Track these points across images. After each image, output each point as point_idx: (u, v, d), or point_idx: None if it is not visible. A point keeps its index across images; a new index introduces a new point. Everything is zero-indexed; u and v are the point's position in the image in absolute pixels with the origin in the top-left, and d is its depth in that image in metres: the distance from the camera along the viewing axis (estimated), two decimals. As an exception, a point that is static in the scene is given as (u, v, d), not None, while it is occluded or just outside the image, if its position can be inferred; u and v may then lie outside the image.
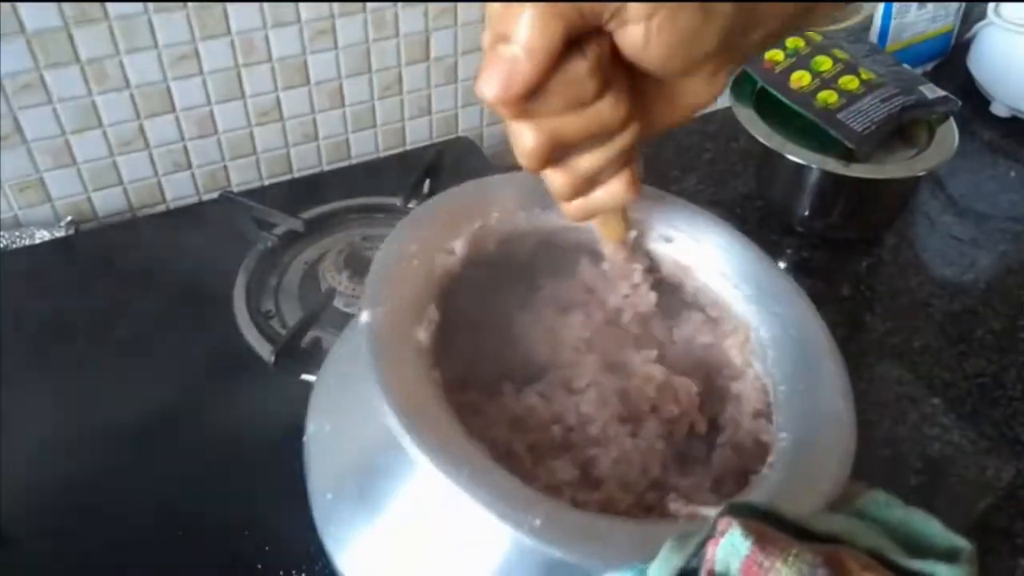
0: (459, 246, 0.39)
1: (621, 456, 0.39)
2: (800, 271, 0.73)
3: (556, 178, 0.33)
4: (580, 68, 0.28)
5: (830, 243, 0.75)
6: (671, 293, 0.45)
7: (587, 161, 0.32)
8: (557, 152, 0.31)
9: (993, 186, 0.84)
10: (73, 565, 0.46)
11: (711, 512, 0.31)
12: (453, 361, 0.43)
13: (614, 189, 0.34)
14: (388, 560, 0.34)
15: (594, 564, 0.28)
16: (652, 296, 0.44)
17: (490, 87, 0.28)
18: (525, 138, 0.30)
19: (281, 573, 0.45)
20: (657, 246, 0.43)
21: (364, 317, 0.34)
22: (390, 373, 0.32)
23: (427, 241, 0.38)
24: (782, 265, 0.73)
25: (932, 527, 0.26)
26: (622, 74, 0.30)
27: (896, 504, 0.27)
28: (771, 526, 0.25)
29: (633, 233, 0.42)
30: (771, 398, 0.38)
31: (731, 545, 0.24)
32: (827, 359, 0.38)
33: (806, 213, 0.74)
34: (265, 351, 0.56)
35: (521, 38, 0.27)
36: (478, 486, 0.29)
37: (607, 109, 0.30)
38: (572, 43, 0.28)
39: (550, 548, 0.28)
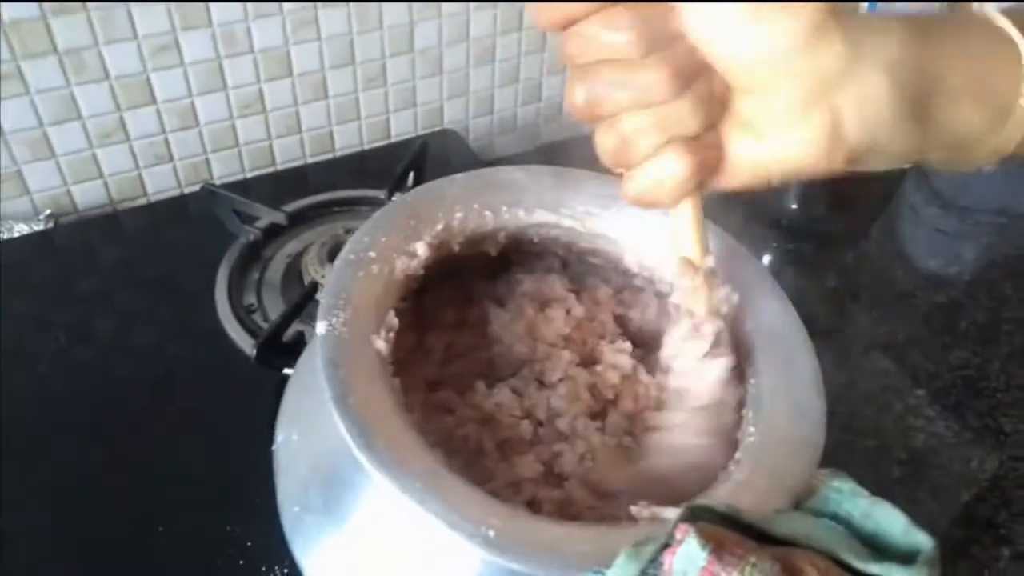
0: (420, 248, 0.38)
1: (587, 452, 0.39)
2: (787, 264, 0.73)
3: (601, 135, 0.30)
4: (653, 74, 0.27)
5: (816, 236, 0.75)
6: (643, 287, 0.44)
7: (632, 122, 0.29)
8: (598, 109, 0.29)
9: (977, 179, 0.84)
10: (48, 561, 0.46)
11: (672, 513, 0.30)
12: (428, 361, 0.43)
13: (668, 165, 0.30)
14: (354, 572, 0.34)
15: (550, 573, 0.27)
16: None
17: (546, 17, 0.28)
18: (575, 92, 0.29)
19: (264, 569, 0.45)
20: (621, 238, 0.43)
21: (320, 328, 0.33)
22: (346, 384, 0.31)
23: (387, 245, 0.38)
24: (768, 258, 0.73)
25: (896, 522, 0.25)
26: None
27: (861, 494, 0.26)
28: (731, 528, 0.25)
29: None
30: (743, 393, 0.37)
31: (687, 555, 0.23)
32: (801, 352, 0.37)
33: (793, 206, 0.74)
34: (247, 345, 0.55)
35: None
36: (430, 498, 0.28)
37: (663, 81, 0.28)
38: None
39: (504, 559, 0.27)
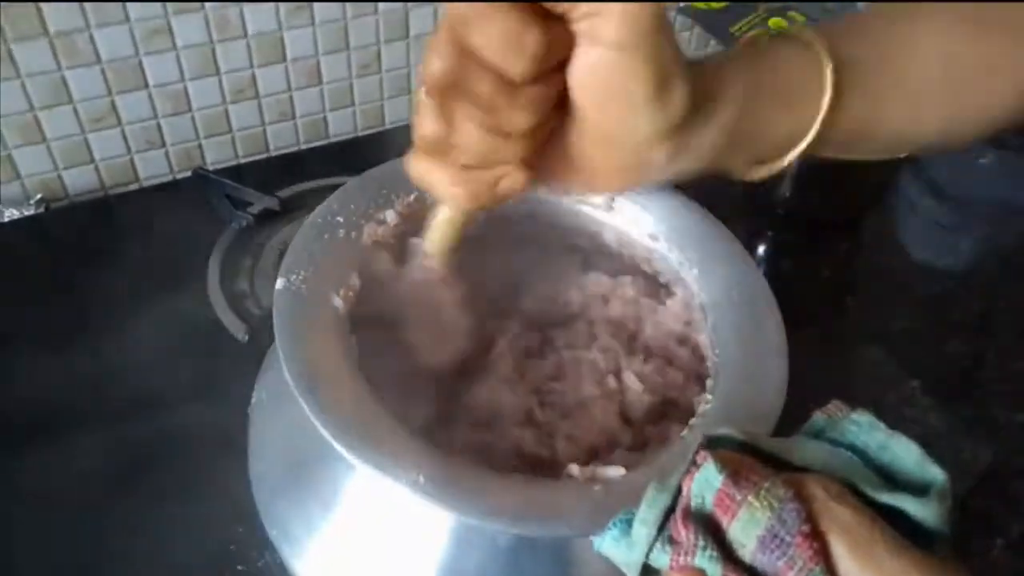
0: (390, 216, 0.39)
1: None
2: (781, 253, 0.73)
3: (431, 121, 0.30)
4: (532, 34, 0.27)
5: (811, 225, 0.75)
6: (612, 260, 0.44)
7: (473, 135, 0.30)
8: (450, 92, 0.29)
9: (973, 171, 0.84)
10: (30, 543, 0.45)
11: (613, 472, 0.31)
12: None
13: (504, 178, 0.31)
14: (312, 527, 0.35)
15: (473, 518, 0.28)
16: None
17: None
18: (438, 54, 0.28)
19: (254, 554, 0.45)
20: (599, 215, 0.43)
21: (279, 284, 0.34)
22: (297, 337, 0.32)
23: (356, 212, 0.38)
24: (762, 247, 0.73)
25: (911, 454, 0.26)
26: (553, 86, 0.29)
27: (878, 427, 0.27)
28: (748, 455, 0.25)
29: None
30: (708, 364, 0.37)
31: (704, 479, 0.24)
32: (767, 322, 0.37)
33: (787, 195, 0.74)
34: (239, 331, 0.55)
35: None
36: (361, 443, 0.29)
37: (519, 104, 0.28)
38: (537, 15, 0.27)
39: (432, 504, 0.28)
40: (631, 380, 0.41)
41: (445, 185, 0.31)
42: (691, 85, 0.30)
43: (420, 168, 0.32)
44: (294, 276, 0.35)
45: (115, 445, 0.50)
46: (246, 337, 0.52)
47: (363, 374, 0.33)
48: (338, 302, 0.34)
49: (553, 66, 0.29)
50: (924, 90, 0.36)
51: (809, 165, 0.70)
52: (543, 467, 0.38)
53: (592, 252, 0.45)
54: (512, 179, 0.31)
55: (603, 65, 0.28)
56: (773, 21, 0.72)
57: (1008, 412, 0.59)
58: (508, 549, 0.32)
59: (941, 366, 0.63)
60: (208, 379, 0.54)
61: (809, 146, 0.35)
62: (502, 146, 0.30)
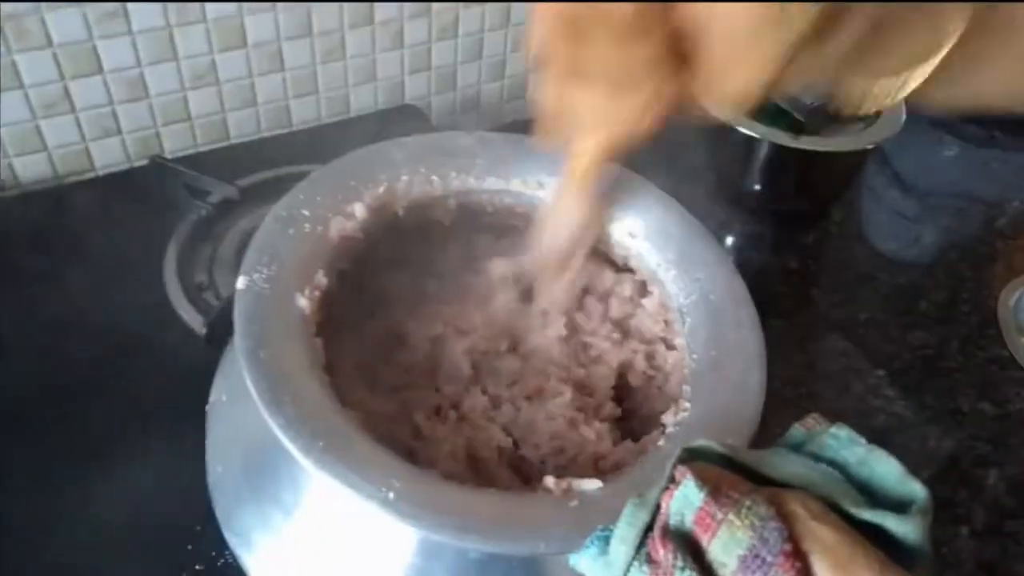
0: (359, 209, 0.37)
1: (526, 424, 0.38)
2: (749, 245, 0.73)
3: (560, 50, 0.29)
4: None
5: (779, 217, 0.75)
6: (591, 258, 0.43)
7: (604, 56, 0.28)
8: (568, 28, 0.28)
9: (937, 163, 0.85)
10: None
11: (589, 485, 0.30)
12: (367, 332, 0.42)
13: (626, 106, 0.30)
14: (273, 534, 0.33)
15: (445, 536, 0.27)
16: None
17: None
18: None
19: (213, 554, 0.44)
20: None
21: (240, 283, 0.32)
22: (259, 339, 0.31)
23: (323, 205, 0.36)
24: (731, 239, 0.73)
25: (891, 470, 0.25)
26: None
27: (858, 442, 0.26)
28: (728, 469, 0.25)
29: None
30: (684, 368, 0.37)
31: (685, 496, 0.23)
32: (745, 326, 0.37)
33: (756, 187, 0.74)
34: (197, 323, 0.54)
35: None
36: (329, 457, 0.28)
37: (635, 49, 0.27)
38: None
39: (403, 521, 0.27)
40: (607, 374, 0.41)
41: (596, 107, 0.30)
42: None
43: (562, 95, 0.30)
44: (257, 274, 0.33)
45: (68, 440, 0.49)
46: (204, 330, 0.51)
47: (328, 378, 0.31)
48: (303, 302, 0.33)
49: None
50: (1019, 43, 0.35)
51: (777, 157, 0.71)
52: (522, 470, 0.37)
53: None
54: (664, 93, 0.29)
55: None
56: None
57: (972, 401, 0.60)
58: (479, 562, 0.31)
59: (906, 356, 0.63)
60: (165, 374, 0.52)
61: (939, 66, 0.33)
62: (644, 62, 0.28)
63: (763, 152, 0.72)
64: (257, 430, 0.32)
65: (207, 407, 0.37)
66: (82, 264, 0.60)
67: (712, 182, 0.79)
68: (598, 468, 0.37)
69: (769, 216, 0.75)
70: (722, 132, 0.71)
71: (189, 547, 0.44)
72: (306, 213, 0.36)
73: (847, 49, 0.31)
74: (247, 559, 0.34)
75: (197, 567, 0.44)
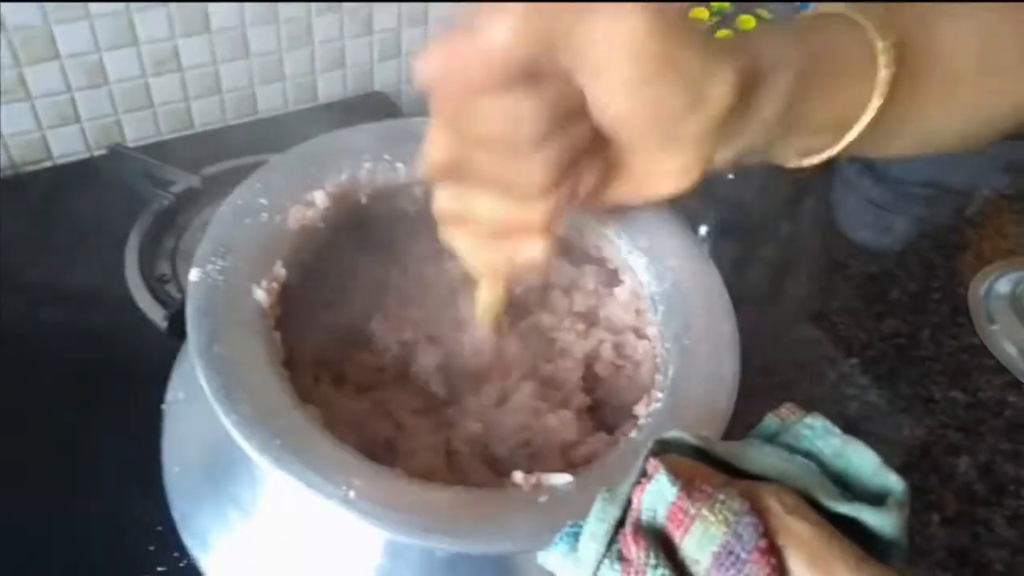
0: (319, 197, 0.36)
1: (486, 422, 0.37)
2: (722, 234, 0.73)
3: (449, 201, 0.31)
4: (527, 104, 0.26)
5: (751, 206, 0.75)
6: (559, 245, 0.43)
7: (488, 208, 0.30)
8: (457, 172, 0.29)
9: (909, 151, 0.85)
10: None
11: (559, 480, 0.29)
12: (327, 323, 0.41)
13: (521, 250, 0.31)
14: (231, 535, 0.32)
15: (410, 537, 0.26)
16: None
17: (433, 63, 0.26)
18: (436, 143, 0.28)
19: (176, 555, 0.42)
20: None
21: (193, 275, 0.31)
22: (212, 334, 0.29)
23: (282, 193, 0.35)
24: (704, 228, 0.72)
25: (867, 462, 0.25)
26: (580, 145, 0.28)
27: (833, 432, 0.26)
28: (702, 461, 0.24)
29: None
30: (656, 357, 0.36)
31: (657, 491, 0.22)
32: (718, 315, 0.36)
33: (729, 176, 0.74)
34: (159, 317, 0.52)
35: (492, 32, 0.24)
36: (287, 455, 0.27)
37: (532, 169, 0.27)
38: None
39: (365, 521, 0.26)
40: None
41: (467, 257, 0.32)
42: (735, 68, 0.28)
43: (447, 236, 0.32)
44: (211, 265, 0.31)
45: (23, 437, 0.47)
46: (166, 323, 0.49)
47: (288, 374, 0.30)
48: (260, 294, 0.32)
49: (569, 111, 0.27)
50: (961, 73, 0.35)
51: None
52: (495, 465, 0.37)
53: None
54: (530, 248, 0.30)
55: (626, 101, 0.27)
56: (743, 19, 0.71)
57: (944, 389, 0.60)
58: (447, 562, 0.30)
59: (878, 344, 0.63)
60: (125, 368, 0.50)
61: (863, 132, 0.33)
62: (522, 211, 0.29)
63: (736, 141, 0.72)
64: (214, 429, 0.31)
65: (164, 405, 0.36)
66: (40, 257, 0.58)
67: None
68: (568, 459, 0.36)
69: (742, 205, 0.75)
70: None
71: (151, 548, 0.43)
72: (264, 202, 0.34)
73: (773, 117, 0.31)
74: (205, 561, 0.33)
75: (159, 568, 0.42)
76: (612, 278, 0.41)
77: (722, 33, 0.69)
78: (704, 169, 0.31)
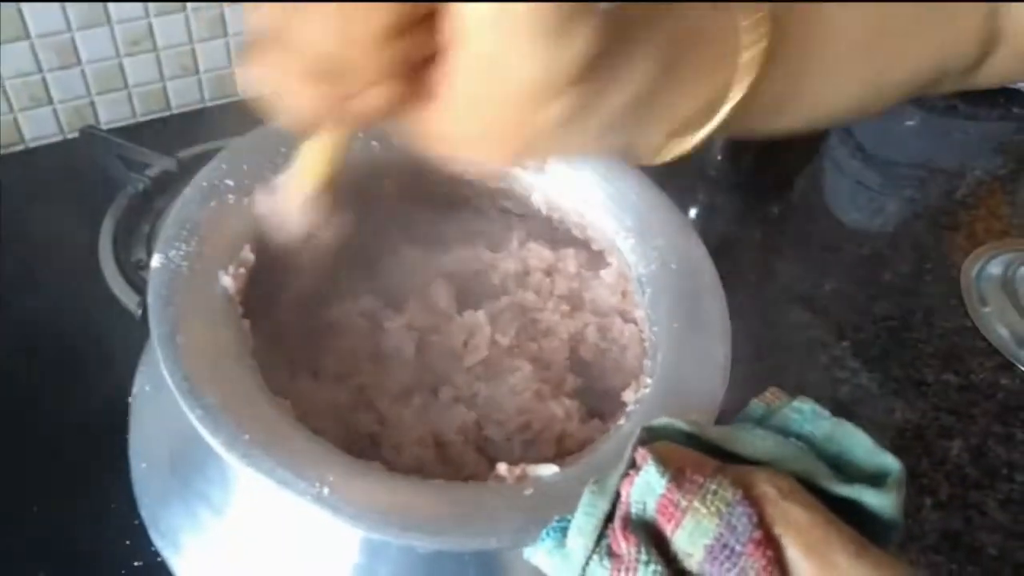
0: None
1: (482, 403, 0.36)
2: (713, 216, 0.72)
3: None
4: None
5: (743, 188, 0.74)
6: (543, 227, 0.41)
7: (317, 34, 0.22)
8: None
9: (899, 133, 0.85)
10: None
11: (546, 471, 0.28)
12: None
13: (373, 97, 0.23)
14: (199, 533, 0.31)
15: (389, 533, 0.25)
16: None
17: None
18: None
19: (153, 548, 0.41)
20: (527, 177, 0.40)
21: (155, 261, 0.29)
22: (175, 323, 0.28)
23: (248, 174, 0.33)
24: (694, 211, 0.71)
25: (860, 443, 0.24)
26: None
27: (822, 415, 0.25)
28: (693, 447, 0.23)
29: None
30: (644, 341, 0.35)
31: (646, 483, 0.22)
32: (707, 296, 0.35)
33: (719, 157, 0.73)
34: (133, 303, 0.50)
35: None
36: (256, 451, 0.25)
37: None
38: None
39: (339, 519, 0.25)
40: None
41: (285, 93, 0.23)
42: (602, 25, 0.22)
43: (253, 70, 0.24)
44: (173, 251, 0.30)
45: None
46: (140, 311, 0.48)
47: (258, 364, 0.29)
48: (227, 281, 0.30)
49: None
50: (849, 44, 0.32)
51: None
52: (488, 452, 0.35)
53: (520, 217, 0.42)
54: (373, 96, 0.23)
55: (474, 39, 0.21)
56: None
57: (936, 372, 0.59)
58: (428, 559, 0.29)
59: (870, 327, 0.62)
60: (99, 357, 0.49)
61: (730, 114, 0.29)
62: (356, 53, 0.22)
63: (726, 121, 0.70)
64: (181, 423, 0.29)
65: (130, 398, 0.34)
66: (11, 242, 0.56)
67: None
68: (562, 447, 0.35)
69: (733, 187, 0.74)
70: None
71: (127, 542, 0.42)
72: (230, 183, 0.33)
73: (625, 105, 0.25)
74: (175, 561, 0.31)
75: (136, 563, 0.41)
76: (597, 260, 0.40)
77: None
78: (532, 142, 0.24)
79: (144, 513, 0.32)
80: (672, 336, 0.33)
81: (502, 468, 0.28)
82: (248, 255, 0.31)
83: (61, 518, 0.43)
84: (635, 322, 0.37)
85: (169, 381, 0.26)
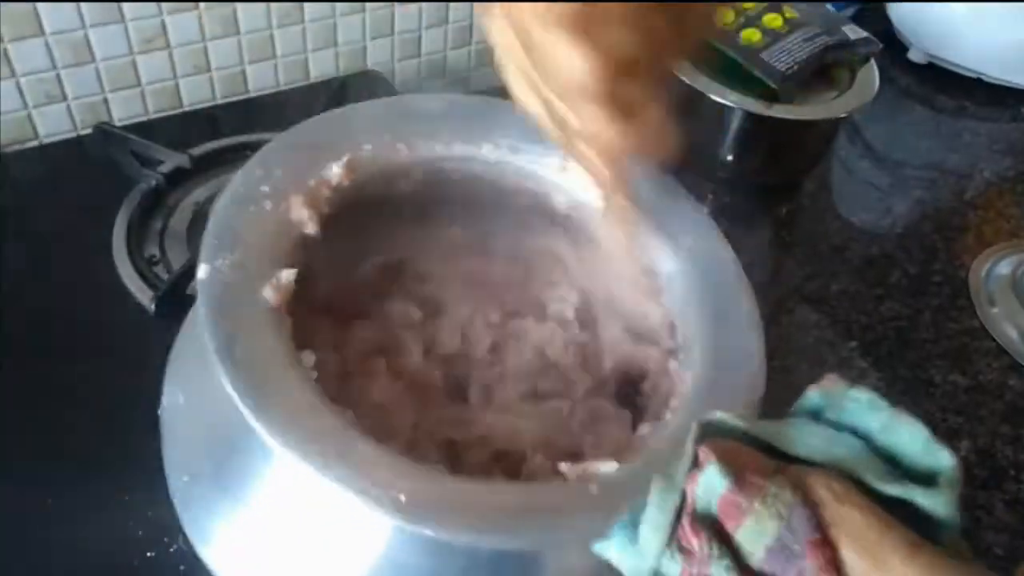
0: (322, 186, 0.34)
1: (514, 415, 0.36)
2: (721, 216, 0.72)
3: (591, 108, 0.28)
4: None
5: (751, 188, 0.74)
6: (567, 227, 0.41)
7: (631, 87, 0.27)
8: (614, 74, 0.26)
9: (909, 133, 0.85)
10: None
11: (606, 467, 0.28)
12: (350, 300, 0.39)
13: (651, 124, 0.29)
14: (253, 547, 0.30)
15: (470, 537, 0.25)
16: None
17: None
18: (575, 58, 0.26)
19: (166, 540, 0.41)
20: (550, 175, 0.40)
21: (202, 272, 0.29)
22: (231, 335, 0.28)
23: (282, 181, 0.33)
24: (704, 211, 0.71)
25: (917, 437, 0.24)
26: None
27: (879, 406, 0.25)
28: (747, 442, 0.24)
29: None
30: (677, 336, 0.35)
31: (708, 483, 0.22)
32: (735, 291, 0.35)
33: (728, 157, 0.73)
34: (146, 299, 0.51)
35: None
36: (332, 460, 0.25)
37: (661, 20, 0.26)
38: None
39: (417, 526, 0.25)
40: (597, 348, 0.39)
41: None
42: None
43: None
44: (219, 261, 0.29)
45: (11, 423, 0.46)
46: (154, 306, 0.48)
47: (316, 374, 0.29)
48: (270, 293, 0.30)
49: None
50: None
51: (750, 127, 0.69)
52: (509, 456, 0.36)
53: (541, 214, 0.42)
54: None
55: None
56: (768, 17, 0.70)
57: (944, 372, 0.59)
58: (492, 558, 0.28)
59: (878, 327, 0.62)
60: (113, 352, 0.49)
61: None
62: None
63: (735, 122, 0.70)
64: (230, 433, 0.29)
65: (160, 411, 0.34)
66: (26, 238, 0.57)
67: (683, 152, 0.77)
68: (613, 447, 0.36)
69: (741, 187, 0.74)
70: (694, 101, 0.69)
71: (140, 533, 0.42)
72: (265, 189, 0.33)
73: None
74: (212, 560, 0.31)
75: (148, 553, 0.42)
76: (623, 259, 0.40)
77: (748, 32, 0.68)
78: None
79: (188, 526, 0.31)
80: (704, 331, 0.33)
81: (564, 466, 0.28)
82: (290, 266, 0.31)
83: (75, 511, 0.43)
84: (667, 318, 0.37)
85: (233, 395, 0.26)
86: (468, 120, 0.39)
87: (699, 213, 0.38)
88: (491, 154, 0.38)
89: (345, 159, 0.35)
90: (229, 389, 0.26)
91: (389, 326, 0.40)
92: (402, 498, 0.25)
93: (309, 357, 0.29)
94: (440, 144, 0.37)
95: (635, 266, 0.39)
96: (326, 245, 0.35)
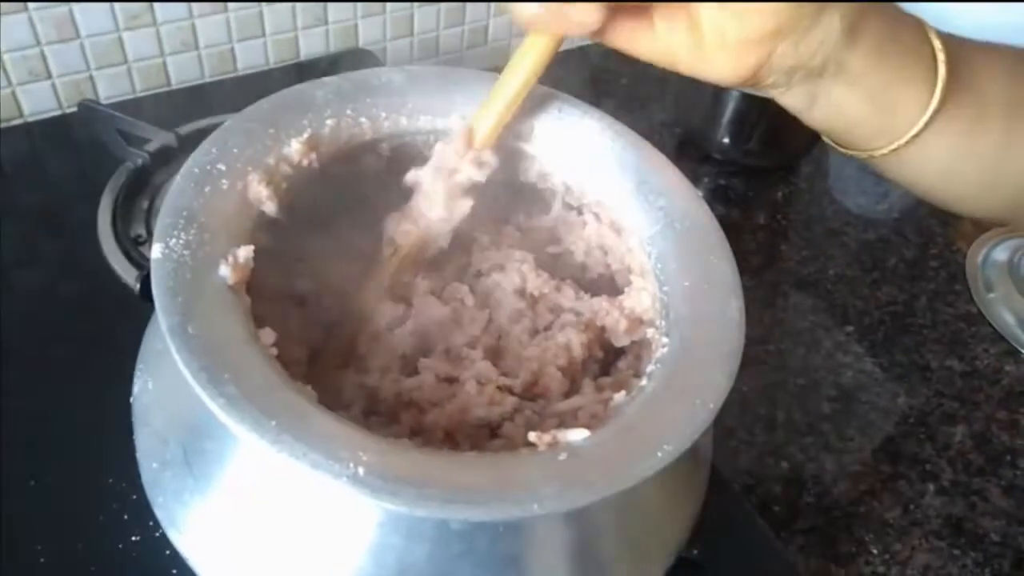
0: (281, 163, 0.33)
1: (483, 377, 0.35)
2: (717, 199, 0.71)
3: None
4: None
5: (747, 172, 0.73)
6: (540, 190, 0.40)
7: None
8: None
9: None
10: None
11: (576, 435, 0.27)
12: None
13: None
14: (223, 532, 0.30)
15: (430, 509, 0.24)
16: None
17: None
18: None
19: (151, 523, 0.41)
20: (522, 142, 0.39)
21: (155, 252, 0.28)
22: (185, 312, 0.27)
23: (239, 159, 0.32)
24: (699, 193, 0.71)
25: None
26: None
27: None
28: None
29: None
30: (655, 300, 0.34)
31: None
32: (715, 254, 0.34)
33: (725, 140, 0.72)
34: (131, 278, 0.50)
35: None
36: (286, 435, 0.24)
37: None
38: None
39: (378, 499, 0.24)
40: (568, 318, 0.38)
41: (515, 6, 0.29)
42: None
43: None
44: (173, 240, 0.28)
45: (-9, 406, 0.45)
46: (139, 285, 0.47)
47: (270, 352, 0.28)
48: (226, 271, 0.29)
49: None
50: (990, 101, 0.33)
51: (746, 110, 0.68)
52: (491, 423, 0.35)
53: (508, 183, 0.41)
54: (586, 9, 0.29)
55: None
56: None
57: (940, 357, 0.59)
58: (462, 533, 0.28)
59: (874, 312, 0.62)
60: (98, 333, 0.48)
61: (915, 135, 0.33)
62: None
63: (731, 104, 0.70)
64: (196, 417, 0.29)
65: (131, 399, 0.33)
66: (9, 216, 0.56)
67: (681, 136, 0.76)
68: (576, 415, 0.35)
69: (739, 171, 0.73)
70: (691, 84, 0.68)
71: (125, 517, 0.41)
72: (222, 168, 0.32)
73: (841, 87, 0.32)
74: (199, 560, 0.30)
75: (133, 538, 0.41)
76: (600, 222, 0.39)
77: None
78: (759, 62, 0.31)
79: (160, 513, 0.31)
80: (683, 294, 0.33)
81: (533, 435, 0.28)
82: (248, 244, 0.30)
83: (60, 494, 0.42)
84: (644, 281, 0.36)
85: (185, 372, 0.25)
86: (432, 91, 0.38)
87: (672, 171, 0.37)
88: (459, 125, 0.37)
89: (306, 135, 0.34)
90: (181, 367, 0.25)
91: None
92: (360, 471, 0.24)
93: (269, 335, 0.29)
94: (405, 117, 0.36)
95: (610, 230, 0.38)
96: (290, 226, 0.34)
